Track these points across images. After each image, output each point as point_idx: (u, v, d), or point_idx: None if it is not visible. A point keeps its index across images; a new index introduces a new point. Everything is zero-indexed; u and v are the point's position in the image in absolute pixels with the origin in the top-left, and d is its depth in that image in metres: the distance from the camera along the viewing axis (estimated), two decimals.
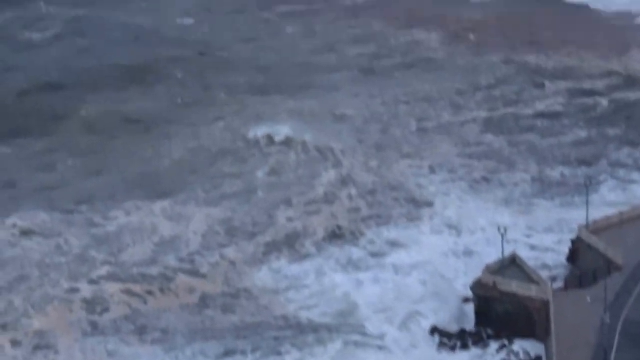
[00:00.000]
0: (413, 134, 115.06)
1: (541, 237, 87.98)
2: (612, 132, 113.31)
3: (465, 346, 73.46)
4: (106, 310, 77.88)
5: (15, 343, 73.83)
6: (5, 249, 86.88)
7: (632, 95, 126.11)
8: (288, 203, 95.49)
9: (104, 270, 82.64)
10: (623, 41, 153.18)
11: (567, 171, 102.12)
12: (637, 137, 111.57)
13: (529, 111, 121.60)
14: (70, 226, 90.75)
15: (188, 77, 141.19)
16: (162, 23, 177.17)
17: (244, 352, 72.43)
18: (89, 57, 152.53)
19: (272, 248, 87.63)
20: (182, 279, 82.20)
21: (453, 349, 73.63)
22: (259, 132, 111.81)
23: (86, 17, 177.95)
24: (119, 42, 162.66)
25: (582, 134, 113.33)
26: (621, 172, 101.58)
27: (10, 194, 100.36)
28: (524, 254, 79.73)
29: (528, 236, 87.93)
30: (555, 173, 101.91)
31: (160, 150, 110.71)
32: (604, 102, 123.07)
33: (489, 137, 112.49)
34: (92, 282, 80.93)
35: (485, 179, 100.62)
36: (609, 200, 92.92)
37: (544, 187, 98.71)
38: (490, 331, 73.84)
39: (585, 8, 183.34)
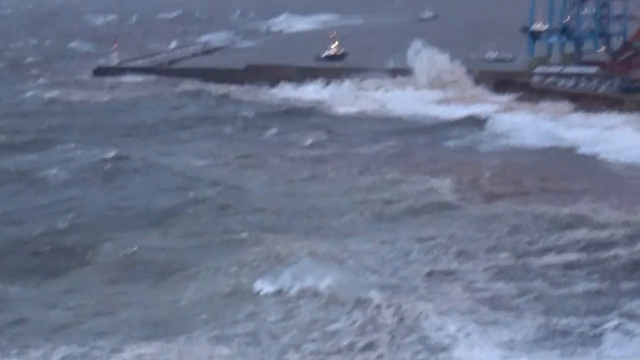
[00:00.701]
0: (423, 278, 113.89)
1: None
2: (625, 284, 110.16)
3: None
4: None
5: None
6: None
7: None
8: (297, 348, 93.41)
9: None
10: (635, 191, 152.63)
11: (574, 321, 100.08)
12: None
13: (540, 261, 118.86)
14: None
15: (204, 218, 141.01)
16: (178, 164, 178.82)
17: None
18: (108, 200, 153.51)
19: None
20: None
21: None
22: (274, 274, 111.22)
23: (109, 160, 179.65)
24: (138, 185, 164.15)
25: (594, 285, 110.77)
26: (631, 325, 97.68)
27: (20, 331, 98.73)
28: None
29: None
30: (562, 321, 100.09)
31: (176, 294, 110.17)
32: (619, 253, 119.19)
33: (499, 285, 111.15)
34: None
35: (495, 323, 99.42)
36: (614, 353, 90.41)
37: (549, 335, 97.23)
38: None
39: (594, 158, 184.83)
